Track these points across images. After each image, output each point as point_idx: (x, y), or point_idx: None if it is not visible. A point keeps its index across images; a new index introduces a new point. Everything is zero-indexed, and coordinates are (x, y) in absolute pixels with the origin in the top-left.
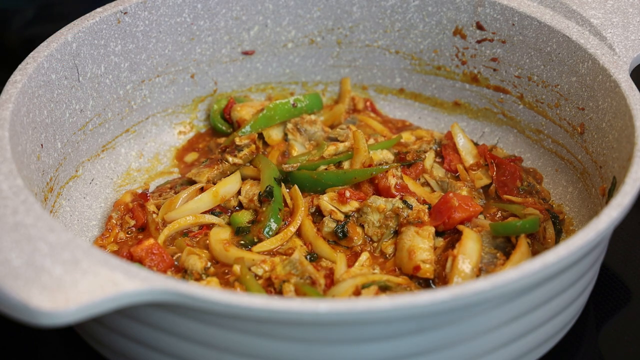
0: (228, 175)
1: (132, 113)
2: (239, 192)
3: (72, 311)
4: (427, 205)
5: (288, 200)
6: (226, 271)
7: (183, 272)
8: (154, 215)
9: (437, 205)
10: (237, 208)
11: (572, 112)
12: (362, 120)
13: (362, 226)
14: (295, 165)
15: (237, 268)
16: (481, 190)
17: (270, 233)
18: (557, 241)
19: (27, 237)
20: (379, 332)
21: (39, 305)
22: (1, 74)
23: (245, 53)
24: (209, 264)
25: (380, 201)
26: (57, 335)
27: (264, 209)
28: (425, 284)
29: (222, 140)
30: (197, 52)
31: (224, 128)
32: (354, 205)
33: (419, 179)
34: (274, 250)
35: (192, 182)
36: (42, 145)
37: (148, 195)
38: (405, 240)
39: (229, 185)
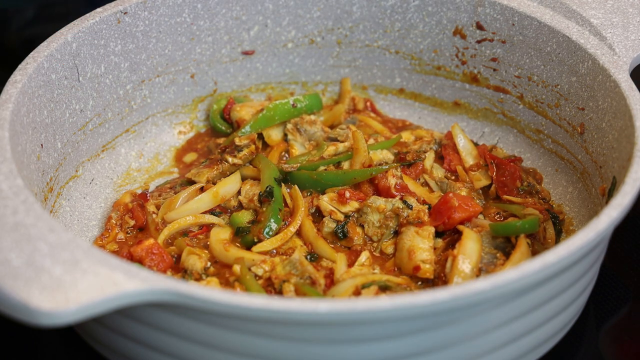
0: (228, 176)
1: (132, 113)
2: (238, 192)
3: (72, 311)
4: (427, 206)
5: (288, 201)
6: (227, 275)
7: (183, 272)
8: (154, 216)
9: (437, 205)
10: (237, 208)
11: (572, 112)
12: (362, 120)
13: (362, 226)
14: (295, 165)
15: (237, 268)
16: (480, 191)
17: (271, 233)
18: (557, 241)
19: (27, 237)
20: (379, 332)
21: (39, 305)
22: (1, 74)
23: (245, 53)
24: (209, 264)
25: (380, 201)
26: (57, 335)
27: (264, 209)
28: (425, 284)
29: (221, 140)
30: (197, 52)
31: (223, 128)
32: (353, 205)
33: (419, 179)
34: (274, 250)
35: (191, 182)
36: (42, 145)
37: (148, 195)
38: (405, 240)
39: (229, 185)
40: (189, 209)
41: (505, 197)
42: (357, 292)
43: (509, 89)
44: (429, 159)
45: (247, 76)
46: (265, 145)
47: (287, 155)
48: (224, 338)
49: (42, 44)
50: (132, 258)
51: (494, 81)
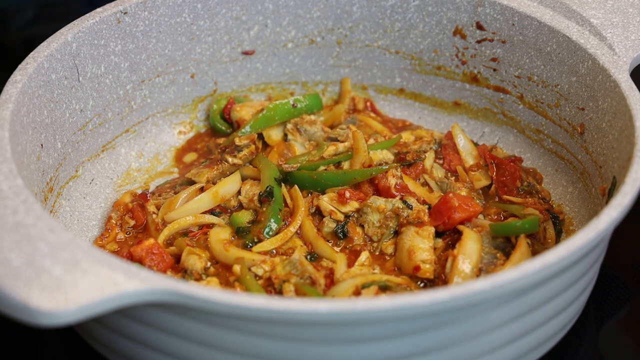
0: (228, 176)
1: (132, 113)
2: (238, 192)
3: (72, 311)
4: (427, 206)
5: (288, 201)
6: (227, 275)
7: (183, 272)
8: (154, 216)
9: (437, 205)
10: (237, 208)
11: (572, 112)
12: (362, 120)
13: (362, 226)
14: (295, 165)
15: (237, 268)
16: (480, 191)
17: (271, 233)
18: (557, 241)
19: (27, 237)
20: (379, 332)
21: (39, 305)
22: (1, 74)
23: (245, 53)
24: (209, 264)
25: (380, 201)
26: (57, 335)
27: (264, 209)
28: (426, 284)
29: (221, 140)
30: (197, 52)
31: (223, 128)
32: (353, 205)
33: (419, 179)
34: (274, 250)
35: (191, 182)
36: (42, 145)
37: (148, 195)
38: (405, 241)
39: (229, 185)
40: (189, 209)
41: (505, 197)
42: (357, 292)
43: (509, 89)
44: (429, 159)
45: (247, 76)
46: (265, 145)
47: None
48: (224, 338)
49: (42, 44)
50: (132, 258)
51: (494, 81)
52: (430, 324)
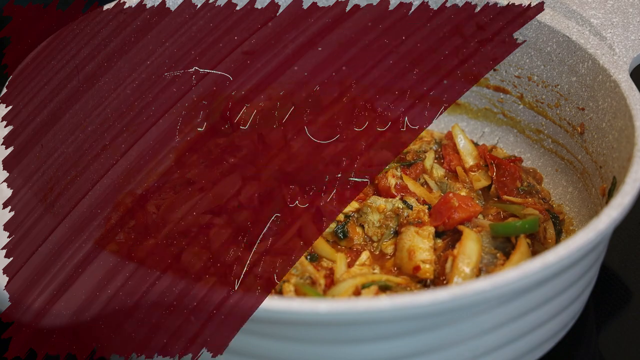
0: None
1: None
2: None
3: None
4: (427, 206)
5: None
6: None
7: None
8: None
9: (437, 205)
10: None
11: (572, 112)
12: None
13: (362, 226)
14: None
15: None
16: (480, 191)
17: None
18: (557, 241)
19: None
20: (379, 332)
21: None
22: (1, 74)
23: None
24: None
25: (380, 201)
26: None
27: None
28: (426, 284)
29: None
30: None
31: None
32: (353, 205)
33: (419, 179)
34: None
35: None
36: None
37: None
38: (405, 241)
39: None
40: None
41: (505, 197)
42: (357, 292)
43: (509, 89)
44: (429, 159)
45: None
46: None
47: None
48: None
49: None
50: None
51: (494, 81)
52: (430, 324)
